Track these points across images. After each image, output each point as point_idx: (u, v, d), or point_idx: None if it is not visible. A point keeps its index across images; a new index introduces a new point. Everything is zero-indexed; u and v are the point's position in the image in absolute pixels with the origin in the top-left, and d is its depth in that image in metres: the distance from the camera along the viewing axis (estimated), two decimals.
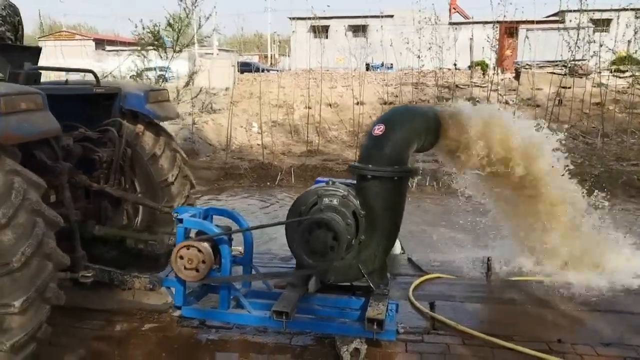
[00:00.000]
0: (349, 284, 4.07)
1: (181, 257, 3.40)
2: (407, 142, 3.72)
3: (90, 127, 4.02)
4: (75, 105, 3.96)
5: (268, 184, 13.46)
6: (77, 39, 33.69)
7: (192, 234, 3.60)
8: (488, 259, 4.88)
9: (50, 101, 3.09)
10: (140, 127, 4.24)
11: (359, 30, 28.07)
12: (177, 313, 3.67)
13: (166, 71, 14.54)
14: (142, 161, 4.26)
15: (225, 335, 3.83)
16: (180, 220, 3.54)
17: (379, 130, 3.71)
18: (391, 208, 3.70)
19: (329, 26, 29.70)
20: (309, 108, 17.44)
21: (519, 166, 4.19)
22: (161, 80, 14.73)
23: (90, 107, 4.13)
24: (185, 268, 3.40)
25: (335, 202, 3.62)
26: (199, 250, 3.38)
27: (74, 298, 4.15)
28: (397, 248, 5.63)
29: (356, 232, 3.65)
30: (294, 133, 17.44)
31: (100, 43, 34.15)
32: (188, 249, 3.41)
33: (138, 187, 4.30)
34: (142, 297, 4.25)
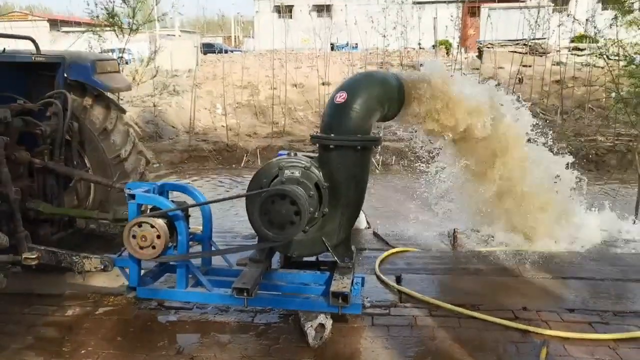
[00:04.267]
0: (314, 259, 3.97)
1: (134, 236, 3.21)
2: (370, 110, 3.58)
3: (33, 100, 3.75)
4: (15, 76, 3.69)
5: (234, 166, 13.24)
6: (30, 20, 32.27)
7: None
8: (454, 231, 4.83)
9: None
10: (88, 100, 3.99)
11: (323, 10, 27.74)
12: (132, 295, 3.47)
13: (123, 52, 13.99)
14: (91, 136, 4.02)
15: (185, 316, 3.66)
16: (133, 196, 3.33)
17: (340, 98, 3.55)
18: (355, 179, 3.57)
19: (292, 6, 29.25)
20: (274, 89, 17.17)
21: (483, 128, 4.11)
22: (120, 61, 14.22)
23: (31, 78, 3.86)
24: (140, 247, 3.21)
25: (297, 174, 3.47)
26: (152, 226, 3.19)
27: (24, 284, 3.96)
28: (362, 223, 5.55)
29: (319, 205, 3.52)
30: (259, 114, 17.19)
31: (55, 24, 32.81)
32: (140, 226, 3.22)
33: (88, 164, 4.06)
34: (96, 280, 4.04)
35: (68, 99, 3.78)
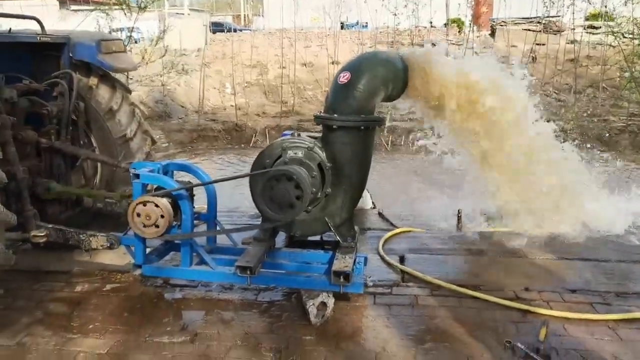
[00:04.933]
0: (318, 238, 4.01)
1: (138, 215, 3.25)
2: (374, 90, 3.57)
3: (39, 80, 3.79)
4: (21, 56, 3.72)
5: (242, 145, 13.26)
6: None
7: None
8: (458, 211, 4.84)
9: None
10: (93, 80, 4.02)
11: None
12: (138, 272, 3.53)
13: (132, 31, 13.96)
14: (97, 116, 4.06)
15: (189, 293, 3.72)
16: (137, 176, 3.37)
17: (344, 78, 3.55)
18: (358, 159, 3.59)
19: None
20: (284, 68, 17.08)
21: (492, 111, 4.08)
22: (129, 40, 14.22)
23: (37, 58, 3.88)
24: (144, 225, 3.26)
25: (300, 154, 3.49)
26: (156, 205, 3.24)
27: (33, 260, 4.05)
28: (368, 203, 5.57)
29: (322, 185, 3.54)
30: (268, 94, 17.12)
31: (64, 2, 32.73)
32: (145, 205, 3.26)
33: (95, 144, 4.10)
34: (104, 257, 4.12)
35: (74, 79, 3.81)
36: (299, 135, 3.67)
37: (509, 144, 4.40)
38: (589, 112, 13.84)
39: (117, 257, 4.06)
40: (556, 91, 16.17)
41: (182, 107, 15.62)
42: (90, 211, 3.93)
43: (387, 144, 11.77)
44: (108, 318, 3.40)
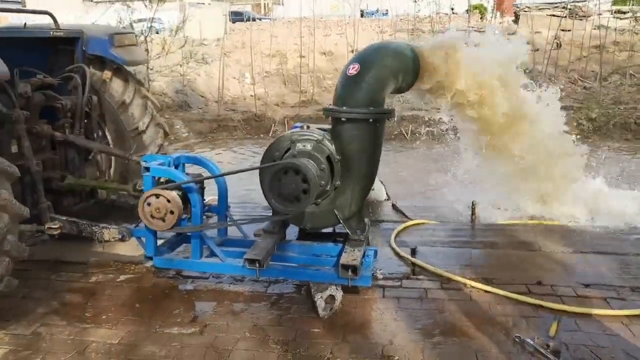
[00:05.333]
0: (330, 231, 4.00)
1: (149, 205, 3.30)
2: (383, 82, 3.53)
3: (54, 75, 3.84)
4: (36, 50, 3.77)
5: (262, 135, 13.28)
6: None
7: None
8: (472, 203, 4.78)
9: (3, 46, 2.91)
10: (107, 74, 4.06)
11: None
12: (149, 264, 3.59)
13: (152, 22, 14.05)
14: (111, 109, 4.11)
15: (201, 285, 3.77)
16: (148, 169, 3.41)
17: (353, 69, 3.52)
18: (367, 152, 3.56)
19: None
20: (303, 57, 17.03)
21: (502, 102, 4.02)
22: (149, 31, 14.31)
23: (52, 53, 3.94)
24: (152, 217, 3.30)
25: (308, 147, 3.48)
26: (168, 200, 3.27)
27: (52, 251, 4.15)
28: (382, 194, 5.55)
29: (331, 178, 3.54)
30: (287, 83, 17.10)
31: None
32: (157, 197, 3.30)
33: (109, 136, 4.16)
34: (119, 248, 4.18)
35: (87, 73, 3.86)
36: (308, 127, 3.66)
37: (522, 134, 4.32)
38: (614, 100, 13.51)
39: (132, 249, 4.11)
40: (581, 78, 15.83)
41: (202, 97, 15.72)
42: (105, 203, 3.99)
43: (407, 134, 11.68)
44: (120, 309, 3.46)
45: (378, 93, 3.51)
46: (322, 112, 3.64)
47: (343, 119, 3.48)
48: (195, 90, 15.64)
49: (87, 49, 3.92)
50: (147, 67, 13.29)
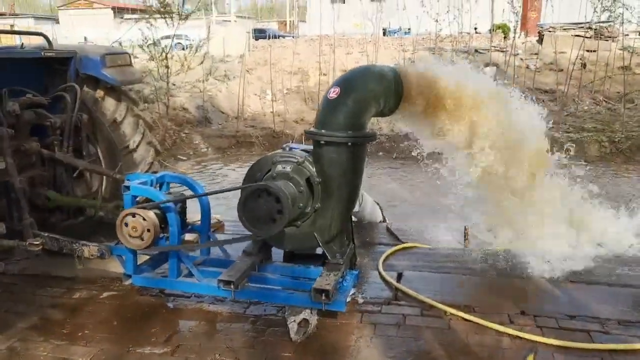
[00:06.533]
0: (320, 252, 3.96)
1: (126, 225, 3.34)
2: (364, 105, 3.51)
3: (49, 93, 3.95)
4: (28, 70, 3.88)
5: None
6: (95, 8, 33.75)
7: None
8: (465, 228, 4.69)
9: None
10: (100, 93, 4.15)
11: None
12: (128, 282, 3.62)
13: (174, 39, 14.37)
14: (103, 127, 4.19)
15: (181, 304, 3.78)
16: (127, 188, 3.46)
17: (334, 93, 3.51)
18: (347, 175, 3.54)
19: None
20: (324, 74, 17.15)
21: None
22: (173, 48, 14.62)
23: (47, 72, 4.05)
24: (130, 236, 3.34)
25: (288, 168, 3.48)
26: (144, 219, 3.31)
27: (40, 265, 4.22)
28: (378, 216, 5.50)
29: (311, 200, 3.52)
30: (308, 100, 17.21)
31: (120, 11, 34.22)
32: (134, 216, 3.34)
33: (100, 154, 4.24)
34: (108, 264, 4.23)
35: (78, 92, 3.95)
36: (290, 149, 3.67)
37: (515, 159, 4.24)
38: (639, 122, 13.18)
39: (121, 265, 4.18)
40: (606, 99, 15.51)
41: (223, 113, 15.94)
42: (93, 220, 4.05)
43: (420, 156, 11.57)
44: (98, 326, 3.49)
45: (358, 117, 3.49)
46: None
47: (322, 142, 3.47)
48: (216, 106, 15.88)
49: (80, 69, 4.03)
50: (168, 83, 13.60)
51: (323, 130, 3.47)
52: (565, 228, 4.41)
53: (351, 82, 3.55)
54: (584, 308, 3.57)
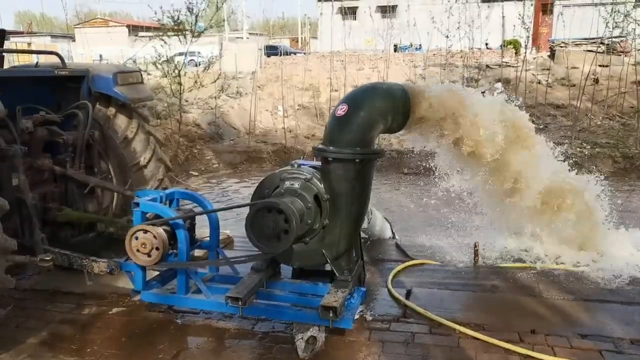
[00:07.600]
0: (329, 268, 3.96)
1: (136, 239, 3.37)
2: (371, 122, 3.53)
3: (60, 111, 4.02)
4: (42, 88, 3.96)
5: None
6: (110, 26, 34.37)
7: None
8: (475, 244, 4.66)
9: (12, 85, 3.08)
10: (111, 110, 4.22)
11: (387, 10, 27.43)
12: (137, 297, 3.64)
13: (187, 56, 14.55)
14: (114, 144, 4.25)
15: (189, 320, 3.79)
16: (137, 204, 3.49)
17: (341, 110, 3.54)
18: (354, 192, 3.54)
19: (357, 7, 29.21)
20: (336, 91, 17.23)
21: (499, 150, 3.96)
22: (186, 64, 14.79)
23: (58, 90, 4.13)
24: (138, 252, 3.37)
25: (296, 185, 3.49)
26: (154, 237, 3.33)
27: (52, 281, 4.25)
28: (387, 232, 5.48)
29: (319, 216, 3.53)
30: (319, 116, 17.28)
31: (135, 28, 34.81)
32: (145, 232, 3.37)
33: (111, 171, 4.29)
34: (118, 280, 4.25)
35: (91, 110, 4.02)
36: (299, 165, 3.69)
37: (525, 177, 4.22)
38: None
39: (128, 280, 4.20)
40: (619, 114, 15.40)
41: (235, 129, 16.06)
42: (104, 236, 4.09)
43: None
44: (106, 342, 3.51)
45: (366, 134, 3.51)
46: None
47: (330, 159, 3.49)
48: (227, 122, 16.00)
49: (92, 87, 4.10)
50: (180, 100, 13.74)
51: (331, 147, 3.49)
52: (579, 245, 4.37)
53: (359, 100, 3.58)
54: (596, 327, 3.52)
